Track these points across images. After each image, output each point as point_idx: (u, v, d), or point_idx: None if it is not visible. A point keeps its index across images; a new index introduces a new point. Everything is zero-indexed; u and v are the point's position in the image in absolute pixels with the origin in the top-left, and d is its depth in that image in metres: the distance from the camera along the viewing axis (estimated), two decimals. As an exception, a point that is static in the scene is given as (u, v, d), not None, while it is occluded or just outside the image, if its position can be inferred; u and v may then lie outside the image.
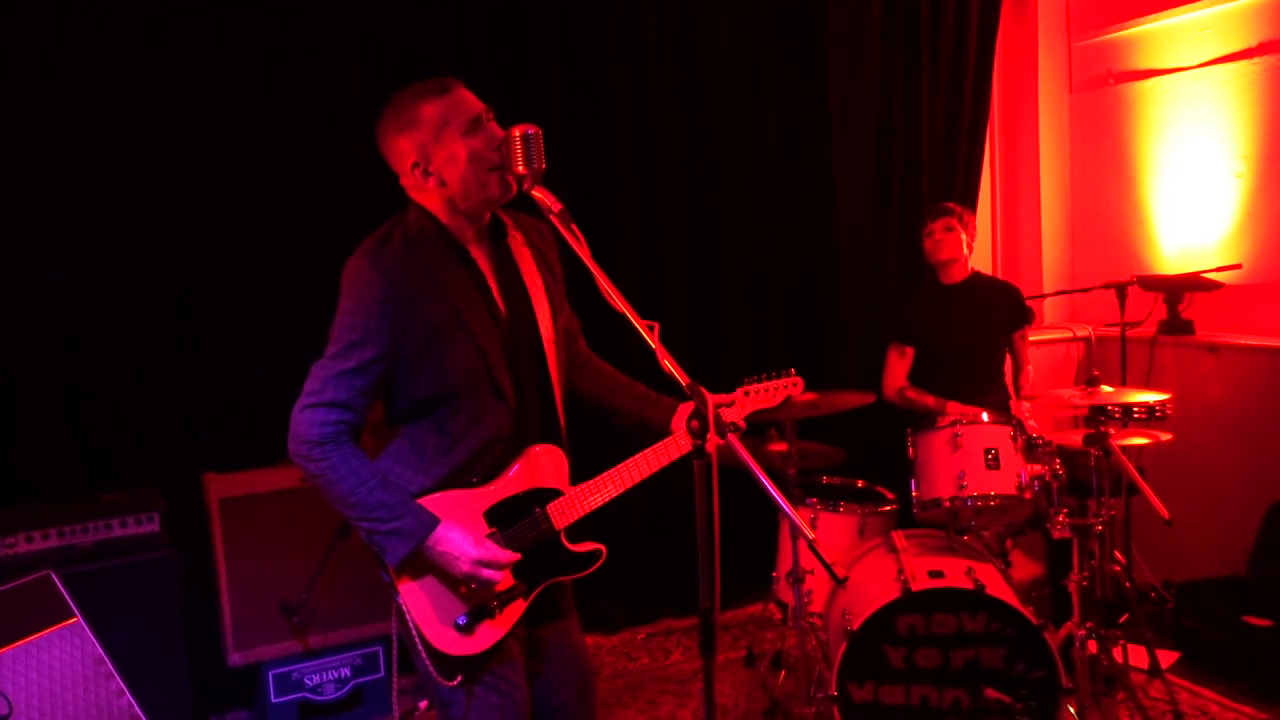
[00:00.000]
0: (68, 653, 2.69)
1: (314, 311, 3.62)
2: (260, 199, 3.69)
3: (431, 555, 2.07)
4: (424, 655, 2.10)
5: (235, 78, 3.60)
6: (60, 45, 3.36)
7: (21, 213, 3.38)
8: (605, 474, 2.23)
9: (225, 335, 3.67)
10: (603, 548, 2.25)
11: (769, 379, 2.38)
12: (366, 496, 2.04)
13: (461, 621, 2.11)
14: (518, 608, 2.17)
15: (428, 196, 2.14)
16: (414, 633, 2.10)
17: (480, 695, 2.14)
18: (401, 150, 2.10)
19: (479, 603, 2.12)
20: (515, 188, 2.10)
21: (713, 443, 1.90)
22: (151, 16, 3.46)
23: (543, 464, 2.21)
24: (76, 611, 2.76)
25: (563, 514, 2.21)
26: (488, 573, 2.08)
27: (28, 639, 2.64)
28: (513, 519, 2.17)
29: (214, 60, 3.57)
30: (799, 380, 2.40)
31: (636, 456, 2.23)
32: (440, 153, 2.08)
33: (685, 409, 2.26)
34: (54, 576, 2.81)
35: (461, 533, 2.08)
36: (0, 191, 3.36)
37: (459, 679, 2.10)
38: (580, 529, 2.27)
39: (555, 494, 2.21)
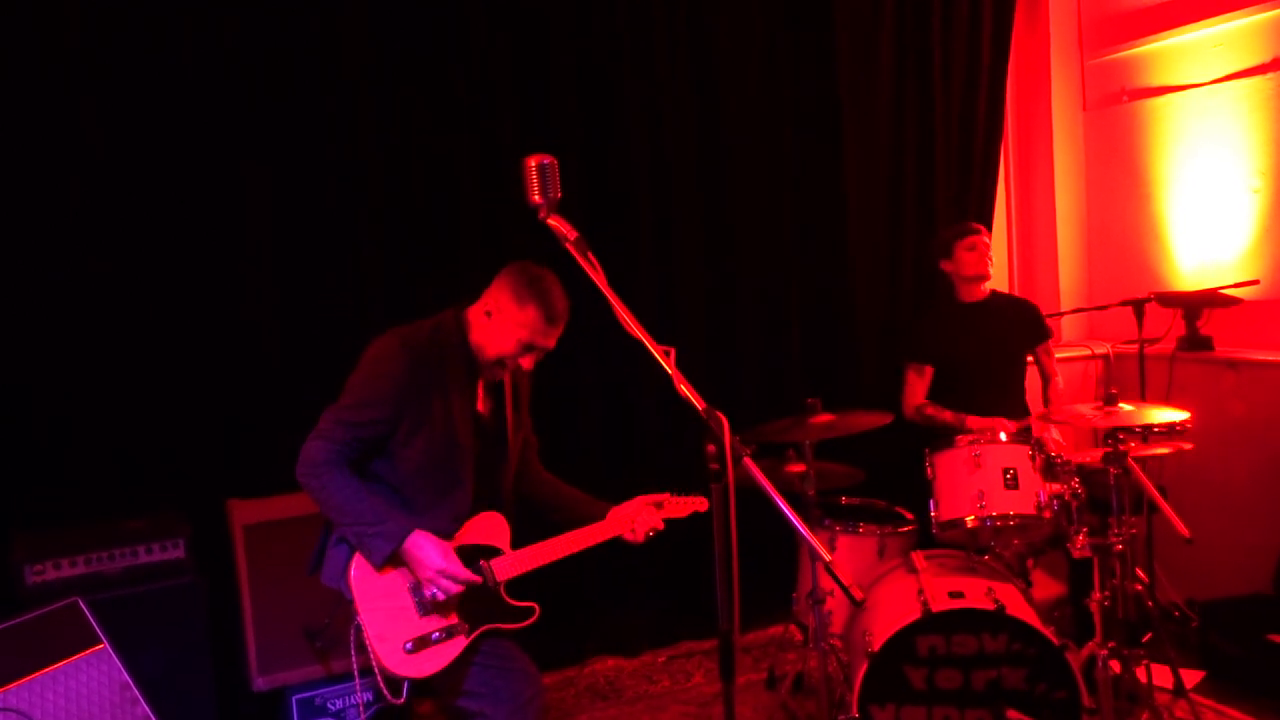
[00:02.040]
0: (95, 679, 2.73)
1: (329, 328, 3.70)
2: (264, 200, 3.66)
3: (406, 557, 2.49)
4: (376, 672, 2.47)
5: (236, 77, 3.60)
6: (60, 45, 3.38)
7: (21, 212, 3.36)
8: (540, 544, 2.70)
9: (243, 358, 3.66)
10: (536, 606, 2.68)
11: (682, 495, 2.89)
12: (357, 504, 2.47)
13: (409, 646, 2.48)
14: (459, 643, 2.55)
15: (474, 317, 2.61)
16: (369, 650, 2.45)
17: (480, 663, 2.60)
18: (494, 295, 2.60)
19: (425, 631, 2.51)
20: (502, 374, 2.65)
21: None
22: (151, 16, 3.48)
23: (488, 525, 2.68)
24: (104, 638, 2.80)
25: (503, 569, 2.65)
26: (446, 582, 2.48)
27: (56, 665, 2.69)
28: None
29: (214, 60, 3.57)
30: (705, 501, 2.84)
31: (567, 534, 2.73)
32: (499, 328, 2.57)
33: (619, 510, 2.78)
34: (81, 603, 2.85)
35: (434, 543, 2.50)
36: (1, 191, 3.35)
37: (403, 700, 2.44)
38: (524, 584, 2.69)
39: (497, 551, 2.66)
